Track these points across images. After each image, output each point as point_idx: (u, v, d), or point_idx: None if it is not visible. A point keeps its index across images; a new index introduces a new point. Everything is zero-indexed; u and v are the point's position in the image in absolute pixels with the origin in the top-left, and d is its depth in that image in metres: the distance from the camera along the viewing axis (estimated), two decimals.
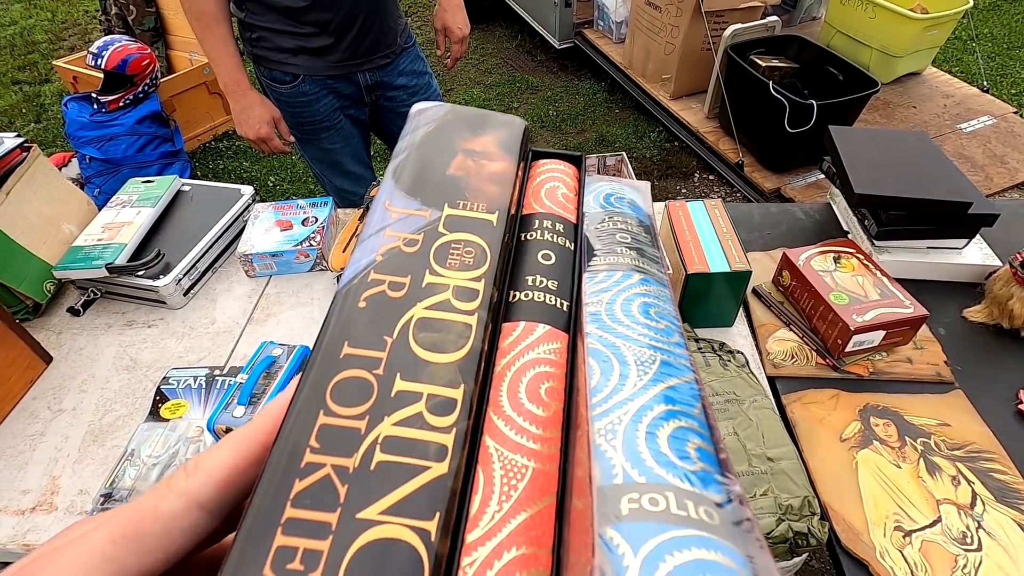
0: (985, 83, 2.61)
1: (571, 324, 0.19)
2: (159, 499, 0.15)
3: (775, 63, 2.11)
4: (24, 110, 3.12)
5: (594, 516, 0.12)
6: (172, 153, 2.31)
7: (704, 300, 0.85)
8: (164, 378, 0.83)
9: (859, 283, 0.85)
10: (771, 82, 1.93)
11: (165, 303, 0.96)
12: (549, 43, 3.10)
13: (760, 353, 0.86)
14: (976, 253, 0.96)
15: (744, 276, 0.82)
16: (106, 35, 2.49)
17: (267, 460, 0.14)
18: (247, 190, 1.11)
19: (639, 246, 0.21)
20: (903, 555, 0.63)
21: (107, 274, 0.92)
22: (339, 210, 1.16)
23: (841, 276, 0.86)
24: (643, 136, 2.67)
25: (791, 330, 0.89)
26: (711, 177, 2.41)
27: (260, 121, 1.16)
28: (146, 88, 2.21)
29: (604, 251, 0.21)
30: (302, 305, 0.98)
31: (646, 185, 0.26)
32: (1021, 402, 0.78)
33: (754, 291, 0.95)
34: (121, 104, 2.16)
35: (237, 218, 1.07)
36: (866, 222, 0.98)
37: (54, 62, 2.77)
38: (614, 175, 1.30)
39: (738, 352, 0.83)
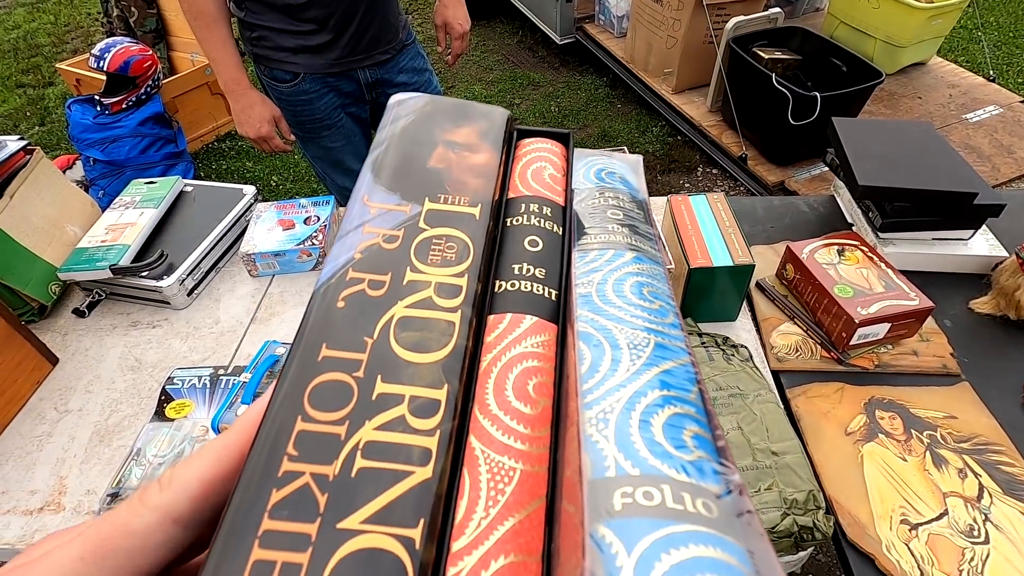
0: (991, 72, 2.58)
1: (560, 314, 0.18)
2: (131, 515, 0.14)
3: (778, 55, 2.09)
4: (28, 113, 3.14)
5: (584, 513, 0.11)
6: (175, 154, 2.32)
7: (707, 294, 0.85)
8: (169, 378, 0.83)
9: (864, 276, 0.84)
10: (774, 74, 1.92)
11: (169, 303, 0.97)
12: (550, 38, 3.08)
13: (764, 347, 0.86)
14: (982, 244, 0.95)
15: (747, 270, 0.82)
16: (108, 37, 2.49)
17: (242, 469, 0.13)
18: (249, 190, 1.11)
19: (632, 223, 0.20)
20: (909, 548, 0.63)
21: (111, 275, 0.93)
22: (341, 209, 1.16)
23: (845, 269, 0.85)
24: (646, 131, 2.66)
25: (795, 324, 0.88)
26: (714, 171, 2.40)
27: (261, 120, 1.16)
28: (148, 90, 2.21)
29: (596, 228, 0.20)
30: (305, 304, 0.97)
31: (638, 159, 0.24)
32: None
33: (758, 285, 0.94)
34: (124, 106, 2.17)
35: (239, 218, 1.08)
36: (870, 214, 0.98)
37: (57, 65, 2.78)
38: None
39: (742, 346, 0.83)
